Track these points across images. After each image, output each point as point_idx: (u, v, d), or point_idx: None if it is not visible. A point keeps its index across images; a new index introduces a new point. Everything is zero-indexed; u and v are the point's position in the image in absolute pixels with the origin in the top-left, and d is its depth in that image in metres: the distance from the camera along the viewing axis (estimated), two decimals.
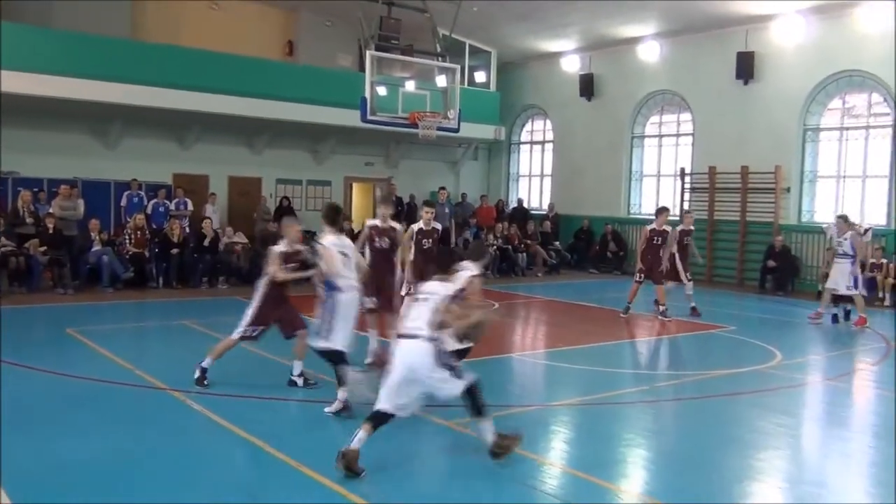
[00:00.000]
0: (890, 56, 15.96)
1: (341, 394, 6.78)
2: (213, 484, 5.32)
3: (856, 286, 12.80)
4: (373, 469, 5.54)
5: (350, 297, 6.91)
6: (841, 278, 12.77)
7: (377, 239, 8.88)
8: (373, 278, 8.25)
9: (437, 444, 6.21)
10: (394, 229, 8.99)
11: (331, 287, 6.86)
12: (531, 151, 25.31)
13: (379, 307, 8.72)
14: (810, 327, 13.03)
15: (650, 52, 20.52)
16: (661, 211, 13.47)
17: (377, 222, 9.01)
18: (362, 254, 8.40)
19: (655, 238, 13.20)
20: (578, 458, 6.23)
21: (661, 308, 13.07)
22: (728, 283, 18.72)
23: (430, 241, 9.33)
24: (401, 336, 5.74)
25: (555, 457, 6.21)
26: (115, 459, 5.68)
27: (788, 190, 18.05)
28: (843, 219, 13.39)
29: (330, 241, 6.99)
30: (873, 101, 17.19)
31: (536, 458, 5.97)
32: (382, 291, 8.70)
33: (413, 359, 5.53)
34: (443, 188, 18.21)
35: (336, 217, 7.28)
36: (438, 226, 9.86)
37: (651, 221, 13.53)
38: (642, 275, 13.24)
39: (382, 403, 5.49)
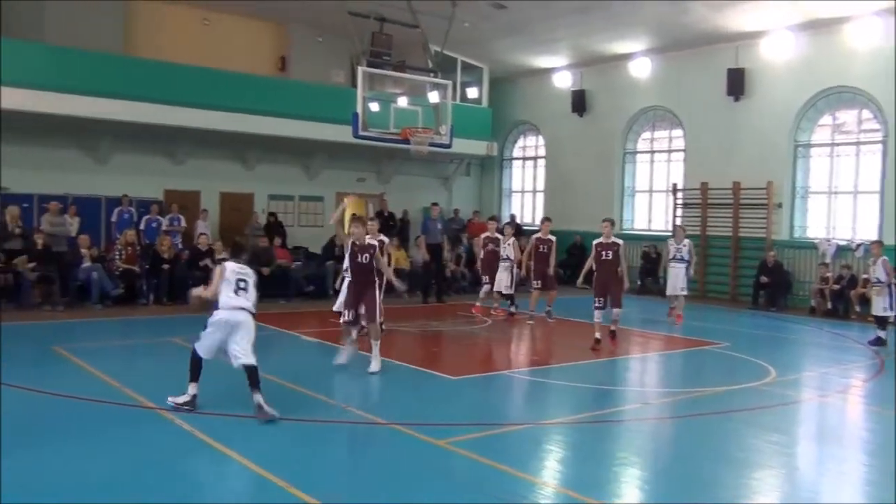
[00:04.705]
0: (880, 72, 16.05)
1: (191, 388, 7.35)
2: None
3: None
4: (363, 491, 5.45)
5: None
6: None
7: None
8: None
9: (427, 464, 6.12)
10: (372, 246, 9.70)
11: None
12: (523, 167, 25.35)
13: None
14: (805, 343, 12.97)
15: (641, 69, 20.61)
16: (545, 220, 15.06)
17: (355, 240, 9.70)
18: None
19: (541, 246, 14.36)
20: (572, 477, 6.15)
21: (547, 309, 14.42)
22: (721, 299, 18.71)
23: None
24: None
25: (548, 476, 6.12)
26: (102, 478, 5.57)
27: (780, 205, 18.08)
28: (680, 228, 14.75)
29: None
30: (863, 118, 17.26)
31: (530, 477, 5.89)
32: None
33: None
34: (435, 204, 18.14)
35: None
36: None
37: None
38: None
39: None
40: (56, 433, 6.66)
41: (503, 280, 14.57)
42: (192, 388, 7.30)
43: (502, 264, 14.63)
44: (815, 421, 8.53)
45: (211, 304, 7.42)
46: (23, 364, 9.64)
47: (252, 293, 7.35)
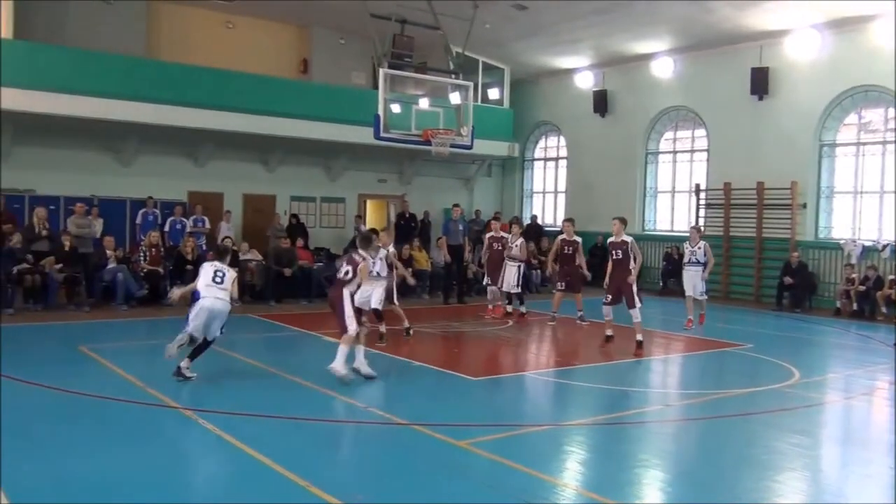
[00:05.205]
0: None
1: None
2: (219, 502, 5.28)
3: None
4: (383, 491, 5.48)
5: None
6: None
7: None
8: None
9: (447, 465, 6.13)
10: None
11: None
12: (545, 168, 25.30)
13: None
14: (829, 345, 12.83)
15: (664, 68, 20.50)
16: (567, 221, 14.63)
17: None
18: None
19: (566, 247, 14.06)
20: (592, 478, 6.13)
21: (580, 313, 14.16)
22: (744, 300, 18.55)
23: None
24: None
25: (568, 477, 6.11)
26: (123, 477, 5.64)
27: (805, 206, 17.90)
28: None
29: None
30: (889, 116, 17.05)
31: (550, 478, 5.89)
32: None
33: None
34: (456, 205, 18.14)
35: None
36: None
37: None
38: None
39: None
40: (81, 432, 6.76)
41: (510, 280, 14.45)
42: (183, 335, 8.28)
43: (509, 264, 14.48)
44: (839, 423, 8.44)
45: (191, 299, 8.57)
46: (49, 363, 9.78)
47: (228, 284, 8.42)
